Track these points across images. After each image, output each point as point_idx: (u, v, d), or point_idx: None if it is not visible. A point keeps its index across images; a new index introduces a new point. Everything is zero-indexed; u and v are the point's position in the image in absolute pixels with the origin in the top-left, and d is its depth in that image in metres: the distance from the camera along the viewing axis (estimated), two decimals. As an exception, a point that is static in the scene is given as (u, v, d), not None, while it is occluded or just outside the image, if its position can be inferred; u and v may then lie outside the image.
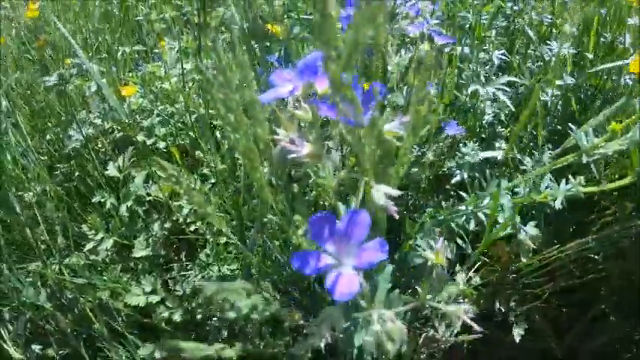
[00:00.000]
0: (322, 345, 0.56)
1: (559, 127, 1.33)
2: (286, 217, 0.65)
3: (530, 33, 1.42)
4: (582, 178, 0.82)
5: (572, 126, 0.80)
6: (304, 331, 0.74)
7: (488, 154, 0.97)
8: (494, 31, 1.21)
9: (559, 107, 1.29)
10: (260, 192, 0.58)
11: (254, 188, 0.97)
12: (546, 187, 0.82)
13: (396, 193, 0.55)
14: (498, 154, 0.98)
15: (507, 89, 1.02)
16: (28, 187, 1.34)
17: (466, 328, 0.60)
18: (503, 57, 1.19)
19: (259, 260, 0.95)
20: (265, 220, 0.86)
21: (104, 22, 1.63)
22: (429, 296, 0.63)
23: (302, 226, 0.68)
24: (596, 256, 1.34)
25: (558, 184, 0.85)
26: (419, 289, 0.72)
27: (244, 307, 0.75)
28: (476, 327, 0.58)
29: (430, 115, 0.50)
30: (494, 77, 1.13)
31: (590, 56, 1.30)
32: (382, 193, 0.55)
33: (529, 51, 1.47)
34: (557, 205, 0.81)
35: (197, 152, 1.38)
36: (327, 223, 0.55)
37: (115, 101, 1.09)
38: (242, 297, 0.75)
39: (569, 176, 0.82)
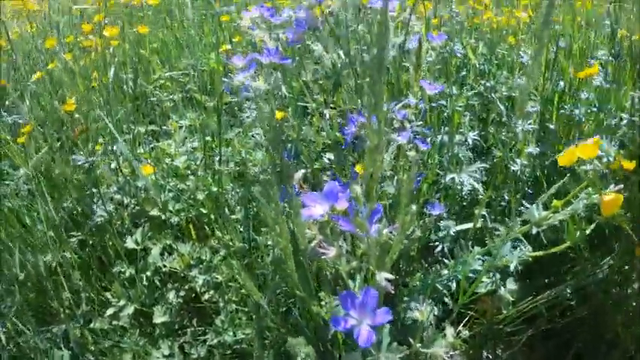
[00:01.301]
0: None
1: (529, 190, 1.50)
2: (308, 292, 0.83)
3: (501, 107, 1.60)
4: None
5: (527, 204, 0.96)
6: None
7: (464, 226, 1.14)
8: (468, 116, 1.39)
9: (526, 174, 1.45)
10: (290, 274, 0.77)
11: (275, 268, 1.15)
12: (505, 255, 0.99)
13: (391, 277, 0.73)
14: (472, 224, 1.14)
15: (478, 176, 1.19)
16: (52, 253, 1.49)
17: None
18: (476, 138, 1.37)
19: (278, 324, 1.10)
20: (278, 290, 1.04)
21: (120, 103, 1.81)
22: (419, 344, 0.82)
23: (325, 299, 0.88)
24: (571, 302, 1.49)
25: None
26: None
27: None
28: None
29: (414, 223, 0.66)
30: (470, 156, 1.32)
31: (552, 127, 1.48)
32: (382, 277, 0.76)
33: (502, 122, 1.65)
34: (512, 268, 0.98)
35: (212, 228, 1.54)
36: (350, 297, 0.78)
37: (146, 181, 1.26)
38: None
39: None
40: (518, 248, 1.00)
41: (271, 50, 1.00)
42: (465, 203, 1.37)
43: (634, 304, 1.40)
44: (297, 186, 1.19)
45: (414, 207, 0.66)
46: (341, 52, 0.99)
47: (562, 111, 1.47)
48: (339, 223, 0.76)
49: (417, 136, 1.05)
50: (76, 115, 1.34)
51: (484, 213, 1.34)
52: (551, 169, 1.47)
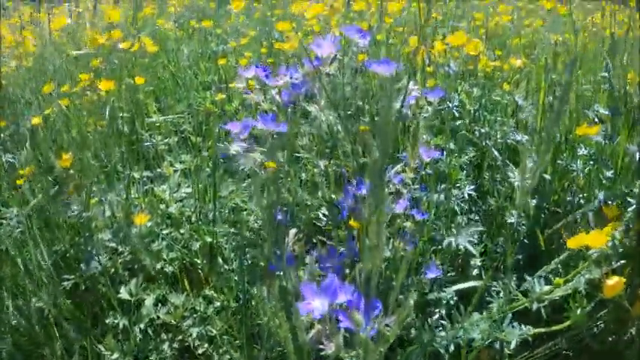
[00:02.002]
0: None
1: (526, 240, 1.50)
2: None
3: (496, 153, 1.61)
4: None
5: (527, 276, 0.96)
6: None
7: (460, 286, 1.13)
8: (464, 172, 1.39)
9: (524, 226, 1.45)
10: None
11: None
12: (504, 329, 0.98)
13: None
14: (469, 285, 1.13)
15: (475, 239, 1.18)
16: (43, 299, 1.47)
17: None
18: (471, 192, 1.36)
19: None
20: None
21: (115, 147, 1.80)
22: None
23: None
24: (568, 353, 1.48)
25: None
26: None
27: None
28: None
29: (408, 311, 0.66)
30: (465, 208, 1.31)
31: (548, 177, 1.48)
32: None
33: (497, 166, 1.66)
34: (512, 346, 0.97)
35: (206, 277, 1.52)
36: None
37: (137, 238, 1.24)
38: None
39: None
40: (519, 325, 0.99)
41: (267, 116, 0.99)
42: (459, 259, 1.36)
43: (631, 350, 1.40)
44: (291, 244, 1.19)
45: (411, 301, 0.65)
46: (336, 118, 0.99)
47: (559, 162, 1.48)
48: (338, 317, 0.75)
49: (413, 203, 1.04)
50: (71, 171, 1.33)
51: (479, 264, 1.34)
52: (547, 220, 1.47)
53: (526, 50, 2.06)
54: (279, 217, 1.10)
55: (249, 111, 1.10)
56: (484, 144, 1.70)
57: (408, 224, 1.01)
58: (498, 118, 1.76)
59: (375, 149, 0.52)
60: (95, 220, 1.45)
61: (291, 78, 1.08)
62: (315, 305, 0.78)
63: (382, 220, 0.57)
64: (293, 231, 1.17)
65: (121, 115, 1.91)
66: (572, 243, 0.85)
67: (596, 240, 0.82)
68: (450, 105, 1.64)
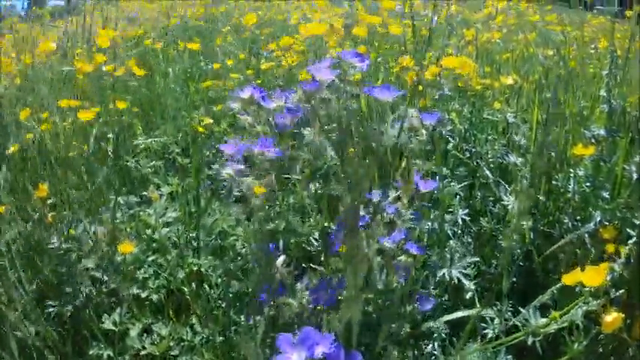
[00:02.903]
0: None
1: (521, 263, 1.46)
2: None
3: (488, 174, 1.57)
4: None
5: (522, 309, 0.92)
6: None
7: (453, 316, 1.09)
8: (457, 198, 1.36)
9: (518, 250, 1.41)
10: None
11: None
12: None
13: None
14: (462, 314, 1.09)
15: (469, 273, 1.15)
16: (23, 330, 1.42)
17: None
18: (465, 217, 1.33)
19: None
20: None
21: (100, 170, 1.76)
22: None
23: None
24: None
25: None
26: None
27: None
28: None
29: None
30: (456, 231, 1.28)
31: (543, 198, 1.45)
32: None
33: (488, 184, 1.62)
34: None
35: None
36: None
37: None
38: None
39: None
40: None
41: (265, 140, 0.96)
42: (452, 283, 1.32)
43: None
44: (279, 270, 1.15)
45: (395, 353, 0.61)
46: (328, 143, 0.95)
47: (554, 182, 1.44)
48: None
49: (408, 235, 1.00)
50: (50, 201, 1.28)
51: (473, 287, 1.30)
52: (542, 243, 1.43)
53: (516, 64, 2.03)
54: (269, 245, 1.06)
55: (240, 133, 1.06)
56: (475, 163, 1.67)
57: (402, 258, 0.97)
58: (489, 137, 1.73)
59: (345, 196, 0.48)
60: (75, 251, 1.41)
61: (286, 102, 1.05)
62: (293, 359, 0.74)
63: (359, 270, 0.53)
64: (282, 258, 1.13)
65: (108, 136, 1.87)
66: (568, 279, 0.81)
67: (592, 278, 0.78)
68: (443, 129, 1.62)
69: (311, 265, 1.13)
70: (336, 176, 1.01)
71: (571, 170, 1.38)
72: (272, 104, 1.09)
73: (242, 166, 1.00)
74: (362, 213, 1.00)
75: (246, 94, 1.12)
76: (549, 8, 3.68)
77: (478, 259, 1.26)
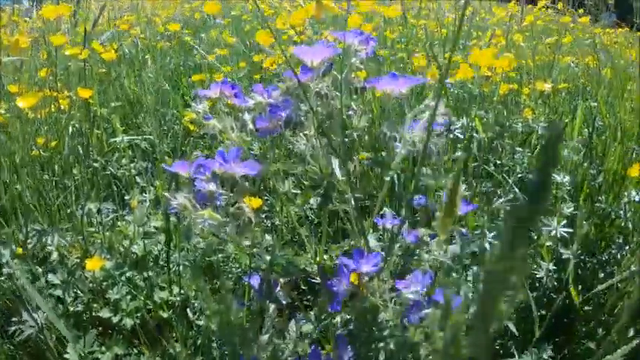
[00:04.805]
0: None
1: (554, 295, 1.26)
2: None
3: (520, 194, 1.37)
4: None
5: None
6: None
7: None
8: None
9: (555, 282, 1.21)
10: None
11: None
12: None
13: None
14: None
15: None
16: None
17: None
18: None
19: None
20: None
21: (69, 174, 1.53)
22: None
23: None
24: None
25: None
26: None
27: None
28: None
29: None
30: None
31: (585, 224, 1.24)
32: None
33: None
34: None
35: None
36: None
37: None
38: None
39: None
40: None
41: (229, 154, 0.71)
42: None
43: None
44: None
45: None
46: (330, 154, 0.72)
47: (598, 205, 1.23)
48: None
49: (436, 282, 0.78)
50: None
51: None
52: (585, 275, 1.22)
53: (544, 72, 1.83)
54: (256, 283, 0.84)
55: (215, 142, 0.83)
56: (501, 177, 1.46)
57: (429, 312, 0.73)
58: (518, 149, 1.53)
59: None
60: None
61: (268, 98, 0.80)
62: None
63: None
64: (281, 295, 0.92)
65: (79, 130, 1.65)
66: None
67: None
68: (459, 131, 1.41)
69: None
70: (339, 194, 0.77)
71: (624, 193, 1.17)
72: (249, 102, 0.83)
73: (213, 187, 0.73)
74: (372, 242, 0.78)
75: (214, 91, 0.87)
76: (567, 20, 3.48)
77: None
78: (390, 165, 0.70)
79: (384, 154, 0.72)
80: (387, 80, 0.81)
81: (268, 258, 0.72)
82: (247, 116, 0.77)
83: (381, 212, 0.88)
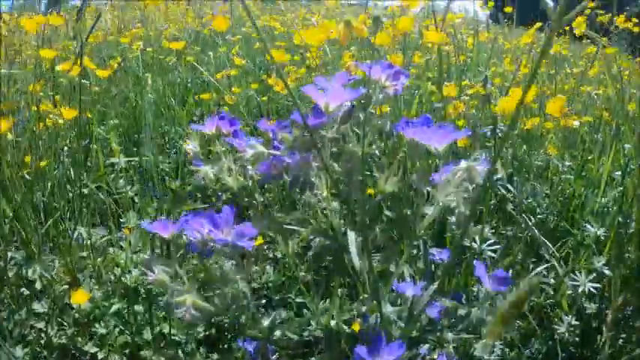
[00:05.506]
0: None
1: (573, 349, 1.16)
2: None
3: (543, 240, 1.27)
4: None
5: None
6: None
7: None
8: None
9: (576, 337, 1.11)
10: None
11: None
12: None
13: None
14: None
15: None
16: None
17: None
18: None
19: None
20: None
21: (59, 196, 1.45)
22: None
23: None
24: None
25: None
26: None
27: None
28: None
29: None
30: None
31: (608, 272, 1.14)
32: None
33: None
34: None
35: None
36: None
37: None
38: None
39: None
40: None
41: (221, 216, 0.61)
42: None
43: None
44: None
45: None
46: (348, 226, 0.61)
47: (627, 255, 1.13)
48: None
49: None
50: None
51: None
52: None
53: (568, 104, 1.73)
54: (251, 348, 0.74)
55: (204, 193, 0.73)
56: (521, 217, 1.36)
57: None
58: (539, 187, 1.43)
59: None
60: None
61: (273, 140, 0.69)
62: None
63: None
64: None
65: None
66: None
67: None
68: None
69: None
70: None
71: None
72: (248, 152, 0.68)
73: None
74: (390, 312, 0.67)
75: (209, 127, 0.77)
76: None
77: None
78: (416, 232, 0.60)
79: (408, 212, 0.62)
80: (419, 128, 0.67)
81: (266, 324, 0.62)
82: (247, 165, 0.67)
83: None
